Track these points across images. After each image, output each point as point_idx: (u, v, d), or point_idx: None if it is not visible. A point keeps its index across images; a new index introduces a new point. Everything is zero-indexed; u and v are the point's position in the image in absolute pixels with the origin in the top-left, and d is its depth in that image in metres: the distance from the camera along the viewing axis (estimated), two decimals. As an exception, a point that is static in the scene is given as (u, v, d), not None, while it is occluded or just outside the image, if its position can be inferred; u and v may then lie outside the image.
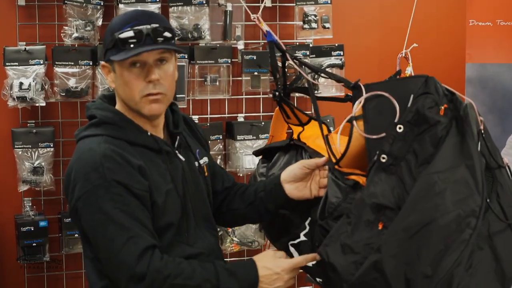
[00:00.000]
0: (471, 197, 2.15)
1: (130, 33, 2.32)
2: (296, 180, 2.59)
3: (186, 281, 2.25)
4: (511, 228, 2.28)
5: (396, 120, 2.24)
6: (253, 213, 2.71)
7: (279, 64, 2.74)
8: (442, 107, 2.23)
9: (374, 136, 2.27)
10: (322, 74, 2.68)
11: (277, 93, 2.67)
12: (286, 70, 2.65)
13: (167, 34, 2.36)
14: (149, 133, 2.43)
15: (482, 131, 2.27)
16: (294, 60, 2.59)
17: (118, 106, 2.46)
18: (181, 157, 2.51)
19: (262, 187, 2.67)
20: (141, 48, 2.31)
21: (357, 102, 2.30)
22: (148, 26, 2.33)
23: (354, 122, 2.30)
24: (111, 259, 2.26)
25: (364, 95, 2.29)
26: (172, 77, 2.43)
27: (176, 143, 2.53)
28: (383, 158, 2.25)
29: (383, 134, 2.26)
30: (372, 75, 2.68)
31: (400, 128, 2.24)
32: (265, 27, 2.55)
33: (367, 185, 2.26)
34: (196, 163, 2.58)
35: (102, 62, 2.43)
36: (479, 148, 2.22)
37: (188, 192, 2.48)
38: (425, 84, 2.28)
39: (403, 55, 2.74)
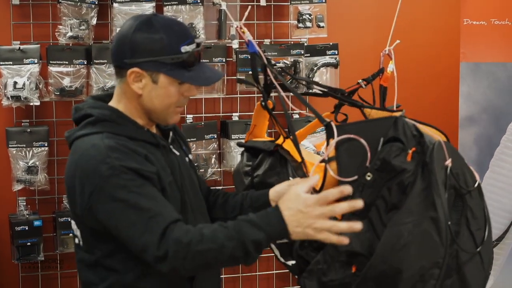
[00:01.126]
0: (435, 249, 2.24)
1: (193, 52, 2.35)
2: None
3: (209, 244, 2.17)
4: (480, 253, 2.37)
5: (367, 164, 2.29)
6: None
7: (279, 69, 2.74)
8: (410, 151, 2.29)
9: (347, 179, 2.30)
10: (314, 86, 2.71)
11: (263, 103, 2.68)
12: (268, 79, 2.60)
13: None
14: (145, 129, 2.43)
15: (449, 167, 2.30)
16: (275, 70, 2.57)
17: (121, 106, 2.44)
18: (175, 151, 2.53)
19: (249, 202, 2.65)
20: (203, 74, 2.39)
21: (330, 145, 2.33)
22: (198, 45, 2.40)
23: (328, 165, 2.32)
24: (136, 243, 2.22)
25: (336, 139, 2.32)
26: None
27: (170, 138, 2.54)
28: None
29: (355, 177, 2.30)
30: (366, 74, 2.68)
31: (369, 176, 2.29)
32: (248, 36, 2.54)
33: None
34: (187, 158, 2.60)
35: (138, 70, 2.33)
36: (445, 194, 2.27)
37: (185, 185, 2.49)
38: (394, 126, 2.35)
39: (387, 52, 2.74)
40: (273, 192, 2.59)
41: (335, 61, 4.24)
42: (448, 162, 2.31)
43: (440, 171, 2.27)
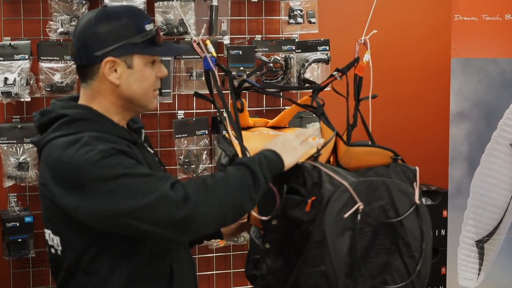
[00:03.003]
0: None
1: (153, 29, 2.35)
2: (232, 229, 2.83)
3: (221, 176, 2.21)
4: (412, 282, 2.42)
5: (276, 207, 2.38)
6: None
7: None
8: (309, 201, 2.33)
9: (263, 218, 2.41)
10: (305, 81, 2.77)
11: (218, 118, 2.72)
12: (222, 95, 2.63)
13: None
14: (121, 126, 2.39)
15: (361, 208, 2.33)
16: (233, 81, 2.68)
17: (98, 104, 2.37)
18: (150, 149, 2.50)
19: None
20: (173, 46, 2.46)
21: None
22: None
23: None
24: (148, 203, 2.11)
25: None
26: None
27: (143, 136, 2.51)
28: (267, 245, 2.45)
29: (268, 217, 2.40)
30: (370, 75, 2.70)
31: (274, 222, 2.40)
32: (208, 50, 2.55)
33: (259, 264, 2.49)
34: (156, 158, 2.58)
35: (112, 58, 2.31)
36: (348, 241, 2.32)
37: None
38: (296, 174, 2.39)
39: (362, 41, 2.74)
40: None
41: (326, 57, 4.25)
42: (359, 205, 2.32)
43: (336, 222, 2.30)
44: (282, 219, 2.38)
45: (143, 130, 2.53)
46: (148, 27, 2.34)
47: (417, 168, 2.56)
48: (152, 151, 2.52)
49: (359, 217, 2.31)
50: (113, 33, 2.31)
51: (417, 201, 2.45)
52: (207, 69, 2.56)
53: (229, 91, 2.70)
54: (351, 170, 2.56)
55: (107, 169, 2.15)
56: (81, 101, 2.39)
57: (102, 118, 2.34)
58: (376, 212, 2.37)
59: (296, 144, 2.37)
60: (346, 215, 2.30)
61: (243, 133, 2.66)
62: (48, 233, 2.37)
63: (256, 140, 2.77)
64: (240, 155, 2.51)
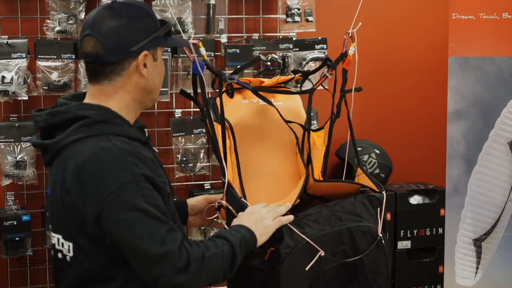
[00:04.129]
0: None
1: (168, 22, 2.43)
2: (199, 213, 2.80)
3: (214, 250, 2.28)
4: None
5: None
6: None
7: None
8: (268, 250, 2.45)
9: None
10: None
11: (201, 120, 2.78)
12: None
13: None
14: (135, 127, 2.39)
15: (322, 255, 2.46)
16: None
17: (104, 104, 2.36)
18: (155, 149, 2.51)
19: None
20: (177, 37, 2.55)
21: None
22: None
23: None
24: (154, 255, 2.16)
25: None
26: None
27: (146, 136, 2.52)
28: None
29: None
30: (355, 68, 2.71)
31: None
32: (200, 54, 2.59)
33: None
34: None
35: (147, 52, 2.34)
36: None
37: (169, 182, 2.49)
38: None
39: (350, 35, 2.76)
40: (190, 202, 2.83)
41: (324, 55, 4.25)
42: (321, 253, 2.44)
43: (293, 276, 2.43)
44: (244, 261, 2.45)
45: (146, 130, 2.53)
46: (165, 21, 2.42)
47: (383, 195, 2.66)
48: (156, 150, 2.59)
49: (320, 264, 2.45)
50: (145, 28, 2.35)
51: (379, 234, 2.57)
52: (194, 73, 2.57)
53: (226, 92, 2.75)
54: (318, 195, 2.76)
55: (130, 195, 2.17)
56: (93, 99, 2.36)
57: (121, 120, 2.34)
58: (338, 255, 2.50)
59: (268, 222, 2.46)
60: (308, 267, 2.43)
61: (233, 100, 2.82)
62: (57, 237, 2.35)
63: (244, 110, 2.82)
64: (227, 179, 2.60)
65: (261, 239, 2.43)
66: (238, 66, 3.94)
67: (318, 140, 2.90)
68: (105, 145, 2.21)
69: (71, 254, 2.30)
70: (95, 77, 2.35)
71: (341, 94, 2.78)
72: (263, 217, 2.44)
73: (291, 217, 2.46)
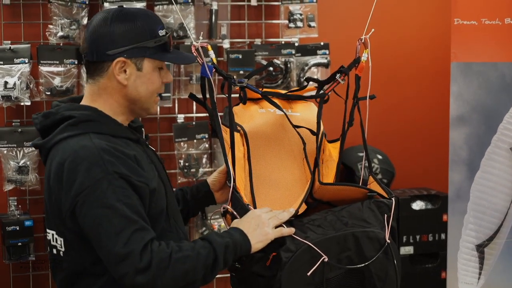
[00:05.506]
0: None
1: (166, 36, 2.42)
2: (222, 187, 2.85)
3: (188, 252, 2.28)
4: None
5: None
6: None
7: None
8: (270, 256, 2.42)
9: None
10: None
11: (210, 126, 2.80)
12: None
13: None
14: (125, 126, 2.45)
15: (325, 260, 2.43)
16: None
17: (91, 105, 2.43)
18: (151, 147, 2.56)
19: (191, 194, 2.84)
20: (183, 54, 2.55)
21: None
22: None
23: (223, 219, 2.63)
24: (117, 253, 2.21)
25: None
26: None
27: (143, 134, 2.55)
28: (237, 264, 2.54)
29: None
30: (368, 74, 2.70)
31: (238, 265, 2.51)
32: (208, 56, 2.58)
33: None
34: (156, 157, 2.61)
35: (123, 58, 2.37)
36: None
37: (165, 180, 2.52)
38: None
39: (363, 41, 2.75)
40: (209, 181, 2.85)
41: (326, 61, 4.25)
42: (324, 258, 2.41)
43: (295, 282, 2.40)
44: (245, 266, 2.47)
45: (143, 129, 2.58)
46: (161, 32, 2.41)
47: (393, 201, 2.61)
48: (153, 148, 2.59)
49: (323, 270, 2.41)
50: (127, 34, 2.37)
51: (387, 240, 2.53)
52: (203, 76, 2.58)
53: (235, 96, 2.74)
54: (325, 200, 2.70)
55: (101, 193, 2.23)
56: (85, 99, 2.45)
57: (107, 118, 2.40)
58: (343, 261, 2.46)
59: (268, 230, 2.42)
60: (309, 272, 2.39)
61: (249, 107, 2.82)
62: (51, 233, 2.43)
63: (260, 119, 2.81)
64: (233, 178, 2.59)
65: (257, 245, 2.40)
66: (241, 71, 3.96)
67: (334, 152, 2.84)
68: (85, 144, 2.29)
69: (63, 249, 2.39)
70: (88, 75, 2.45)
71: (354, 102, 2.73)
72: (264, 223, 2.42)
73: (292, 230, 2.43)
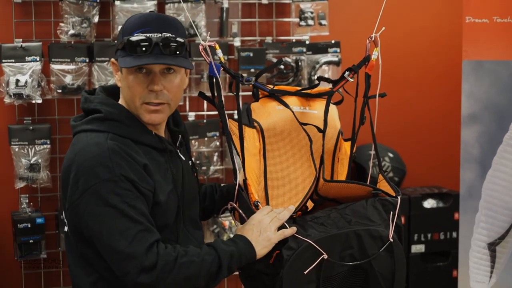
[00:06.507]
0: None
1: (139, 39, 2.32)
2: None
3: (193, 258, 2.28)
4: None
5: None
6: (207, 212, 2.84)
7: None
8: (274, 254, 2.43)
9: None
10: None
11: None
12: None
13: (177, 45, 2.36)
14: (153, 132, 2.43)
15: (325, 258, 2.41)
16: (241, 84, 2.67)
17: (122, 102, 2.45)
18: (182, 156, 2.53)
19: (220, 194, 2.84)
20: (146, 59, 2.32)
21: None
22: (159, 35, 2.34)
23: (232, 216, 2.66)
24: (121, 251, 2.23)
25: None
26: (177, 87, 2.43)
27: (178, 142, 2.54)
28: None
29: None
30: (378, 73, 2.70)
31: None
32: (214, 56, 2.56)
33: None
34: (190, 162, 2.60)
35: (112, 59, 2.44)
36: None
37: (184, 192, 2.50)
38: None
39: (373, 39, 2.73)
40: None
41: (337, 59, 4.25)
42: (323, 256, 2.40)
43: (297, 279, 2.39)
44: (250, 265, 2.46)
45: (180, 136, 2.57)
46: (136, 35, 2.34)
47: (398, 199, 2.59)
48: (184, 158, 2.56)
49: (323, 268, 2.40)
50: (118, 36, 2.42)
51: (390, 238, 2.51)
52: (211, 75, 2.57)
53: (244, 94, 2.74)
54: (331, 197, 2.66)
55: (106, 193, 2.24)
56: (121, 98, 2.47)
57: (133, 121, 2.40)
58: (346, 259, 2.45)
59: (270, 234, 2.40)
60: (308, 270, 2.39)
61: (267, 103, 2.82)
62: (63, 217, 2.47)
63: (277, 116, 2.82)
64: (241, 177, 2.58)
65: (262, 252, 2.40)
66: (252, 69, 3.96)
67: (349, 151, 2.85)
68: (99, 142, 2.31)
69: (70, 234, 2.42)
70: None
71: (364, 100, 2.72)
72: (266, 228, 2.40)
73: (294, 229, 2.42)
